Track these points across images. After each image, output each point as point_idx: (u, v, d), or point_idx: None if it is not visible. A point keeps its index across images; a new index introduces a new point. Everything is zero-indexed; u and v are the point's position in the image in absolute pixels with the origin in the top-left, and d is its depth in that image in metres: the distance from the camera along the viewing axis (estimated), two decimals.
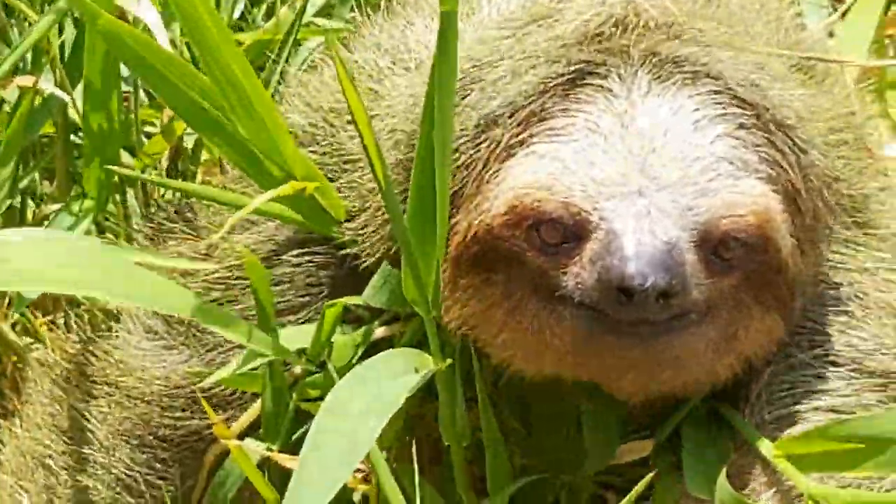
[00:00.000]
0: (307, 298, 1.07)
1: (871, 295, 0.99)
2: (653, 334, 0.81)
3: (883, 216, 1.06)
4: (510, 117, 0.85)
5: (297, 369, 0.99)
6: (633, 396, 0.95)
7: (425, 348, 0.93)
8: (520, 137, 0.85)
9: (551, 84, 0.84)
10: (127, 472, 1.12)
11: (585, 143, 0.82)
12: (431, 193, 0.85)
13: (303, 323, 1.06)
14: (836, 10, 1.73)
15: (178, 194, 1.52)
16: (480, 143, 0.87)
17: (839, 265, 1.00)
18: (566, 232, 0.82)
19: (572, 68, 0.85)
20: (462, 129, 0.87)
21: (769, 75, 0.89)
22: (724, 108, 0.84)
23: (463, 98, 0.89)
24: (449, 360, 0.92)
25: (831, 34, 1.58)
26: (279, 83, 1.45)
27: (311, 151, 1.07)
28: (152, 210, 1.45)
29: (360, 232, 0.99)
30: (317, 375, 0.99)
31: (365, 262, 1.00)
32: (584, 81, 0.84)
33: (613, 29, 0.87)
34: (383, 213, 0.94)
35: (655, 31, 0.87)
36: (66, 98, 1.42)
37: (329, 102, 1.11)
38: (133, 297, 0.98)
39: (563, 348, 0.86)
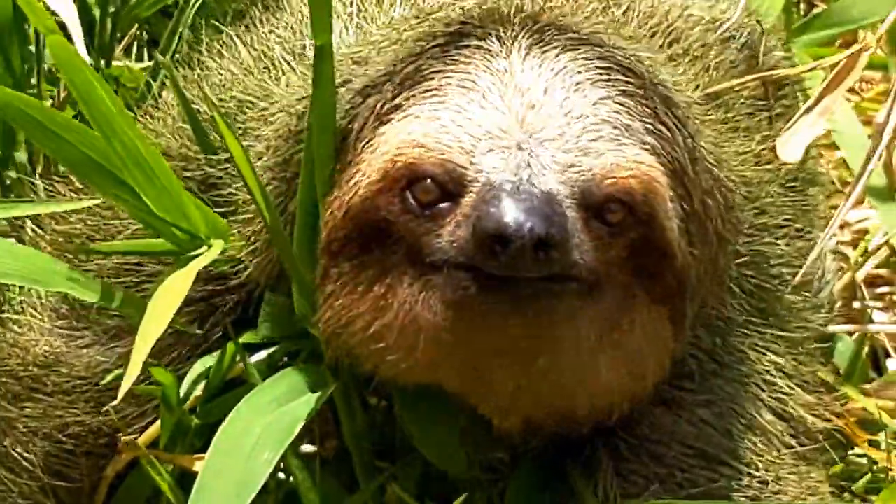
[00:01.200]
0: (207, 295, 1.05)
1: (746, 426, 1.00)
2: (532, 296, 0.75)
3: (788, 312, 1.08)
4: (386, 83, 0.82)
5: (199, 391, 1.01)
6: (509, 415, 0.90)
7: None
8: (395, 102, 0.81)
9: (428, 45, 0.81)
10: (32, 461, 1.10)
11: (463, 100, 0.79)
12: (314, 210, 0.86)
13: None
14: None
15: None
16: (356, 114, 0.83)
17: (734, 368, 1.00)
18: (443, 190, 0.78)
19: (450, 28, 0.82)
20: (340, 107, 0.84)
21: (657, 62, 0.87)
22: (608, 73, 0.81)
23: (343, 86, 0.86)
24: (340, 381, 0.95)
25: None
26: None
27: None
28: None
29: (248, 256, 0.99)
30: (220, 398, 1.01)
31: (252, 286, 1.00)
32: (462, 43, 0.82)
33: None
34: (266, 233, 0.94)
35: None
36: None
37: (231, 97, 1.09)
38: (14, 275, 0.99)
39: (435, 326, 0.78)
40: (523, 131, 0.77)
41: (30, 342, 1.12)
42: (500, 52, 0.81)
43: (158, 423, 1.03)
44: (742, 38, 1.24)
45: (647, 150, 0.80)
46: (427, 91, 0.80)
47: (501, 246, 0.71)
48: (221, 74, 1.15)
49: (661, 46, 1.06)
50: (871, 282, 1.67)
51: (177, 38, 1.58)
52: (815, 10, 2.05)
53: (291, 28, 1.13)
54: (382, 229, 0.80)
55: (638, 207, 0.79)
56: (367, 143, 0.82)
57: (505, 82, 0.79)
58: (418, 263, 0.79)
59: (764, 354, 1.03)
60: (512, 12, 0.84)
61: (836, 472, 1.24)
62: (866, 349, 1.47)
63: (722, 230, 0.91)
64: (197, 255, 0.95)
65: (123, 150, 0.90)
